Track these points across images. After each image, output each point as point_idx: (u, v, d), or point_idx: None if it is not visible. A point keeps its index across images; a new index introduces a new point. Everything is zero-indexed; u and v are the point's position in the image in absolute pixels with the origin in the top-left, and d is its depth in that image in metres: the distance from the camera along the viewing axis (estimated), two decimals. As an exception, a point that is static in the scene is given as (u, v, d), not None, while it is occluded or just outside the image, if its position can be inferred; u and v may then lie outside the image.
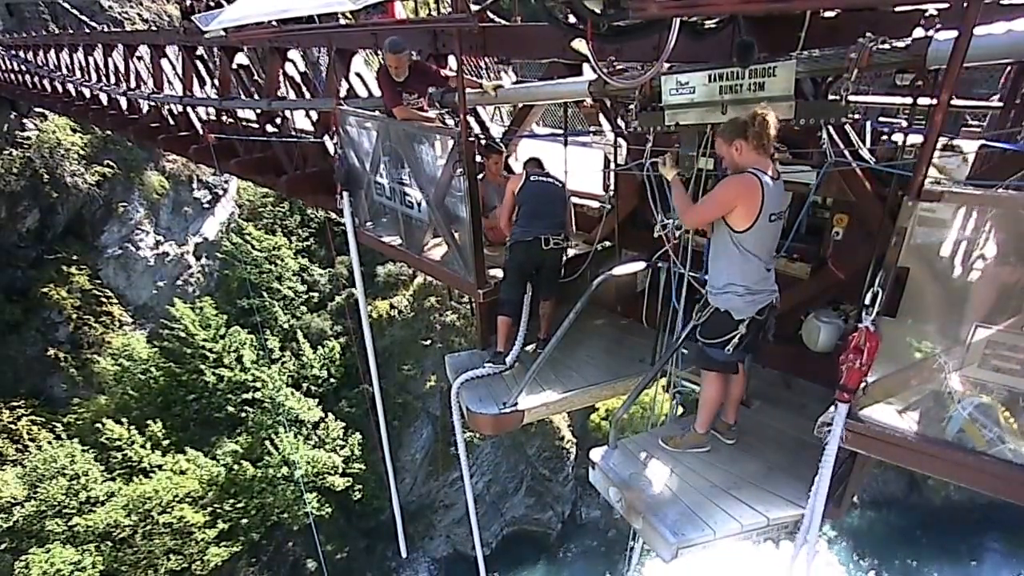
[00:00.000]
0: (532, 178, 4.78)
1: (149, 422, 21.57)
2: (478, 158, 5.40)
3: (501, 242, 5.36)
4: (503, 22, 5.43)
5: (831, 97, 3.31)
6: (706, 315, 3.50)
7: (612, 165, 5.12)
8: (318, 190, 7.48)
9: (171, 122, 11.08)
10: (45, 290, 21.95)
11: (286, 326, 25.87)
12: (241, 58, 8.38)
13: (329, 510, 22.47)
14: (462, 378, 4.74)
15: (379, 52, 5.60)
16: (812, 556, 3.08)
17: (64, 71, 14.46)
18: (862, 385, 2.71)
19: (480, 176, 5.42)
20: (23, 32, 19.34)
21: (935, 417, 2.64)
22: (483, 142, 5.97)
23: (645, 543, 3.68)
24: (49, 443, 20.12)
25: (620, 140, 5.26)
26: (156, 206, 24.69)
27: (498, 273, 4.95)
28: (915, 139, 3.36)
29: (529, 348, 5.09)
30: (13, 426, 20.42)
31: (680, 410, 4.77)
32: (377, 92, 5.99)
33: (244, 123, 9.38)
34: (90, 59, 12.92)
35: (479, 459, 24.82)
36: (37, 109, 21.29)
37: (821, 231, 3.97)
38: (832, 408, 2.81)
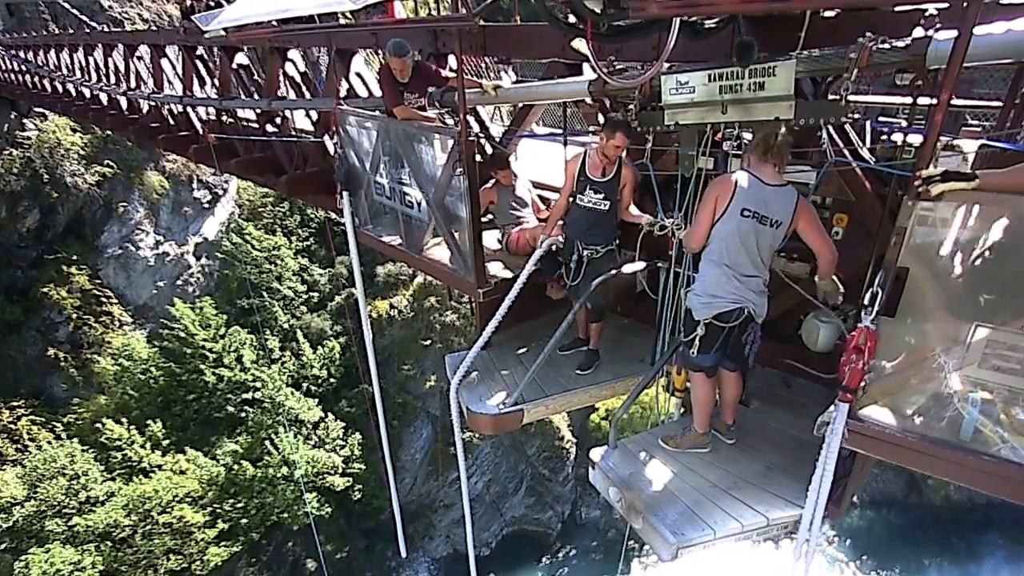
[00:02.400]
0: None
1: (149, 422, 21.58)
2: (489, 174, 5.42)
3: (527, 253, 5.12)
4: (491, 23, 5.41)
5: (831, 97, 3.31)
6: (683, 312, 3.67)
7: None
8: (318, 190, 7.47)
9: (171, 122, 11.07)
10: (45, 290, 21.93)
11: (286, 326, 25.84)
12: (241, 58, 8.37)
13: (329, 510, 22.47)
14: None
15: (379, 52, 5.59)
16: (811, 556, 3.08)
17: (64, 71, 14.45)
18: (862, 385, 2.71)
19: (493, 182, 5.42)
20: (23, 32, 19.35)
21: (935, 417, 2.64)
22: (491, 155, 5.92)
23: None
24: (49, 443, 20.10)
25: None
26: (156, 206, 24.66)
27: (499, 273, 4.95)
28: (915, 139, 3.36)
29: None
30: (13, 426, 20.40)
31: (682, 409, 4.76)
32: (377, 92, 5.99)
33: (244, 123, 9.37)
34: (90, 59, 12.90)
35: (479, 459, 24.82)
36: (37, 109, 21.27)
37: (821, 231, 3.96)
38: (832, 408, 2.81)
